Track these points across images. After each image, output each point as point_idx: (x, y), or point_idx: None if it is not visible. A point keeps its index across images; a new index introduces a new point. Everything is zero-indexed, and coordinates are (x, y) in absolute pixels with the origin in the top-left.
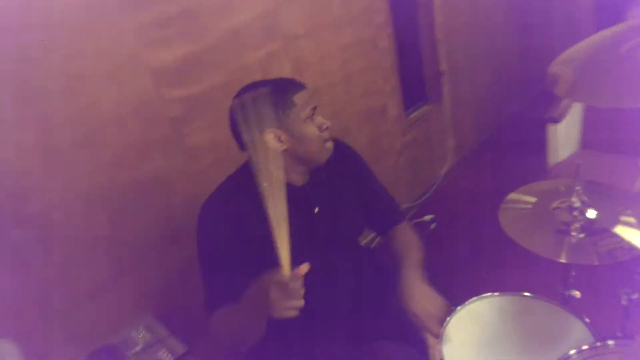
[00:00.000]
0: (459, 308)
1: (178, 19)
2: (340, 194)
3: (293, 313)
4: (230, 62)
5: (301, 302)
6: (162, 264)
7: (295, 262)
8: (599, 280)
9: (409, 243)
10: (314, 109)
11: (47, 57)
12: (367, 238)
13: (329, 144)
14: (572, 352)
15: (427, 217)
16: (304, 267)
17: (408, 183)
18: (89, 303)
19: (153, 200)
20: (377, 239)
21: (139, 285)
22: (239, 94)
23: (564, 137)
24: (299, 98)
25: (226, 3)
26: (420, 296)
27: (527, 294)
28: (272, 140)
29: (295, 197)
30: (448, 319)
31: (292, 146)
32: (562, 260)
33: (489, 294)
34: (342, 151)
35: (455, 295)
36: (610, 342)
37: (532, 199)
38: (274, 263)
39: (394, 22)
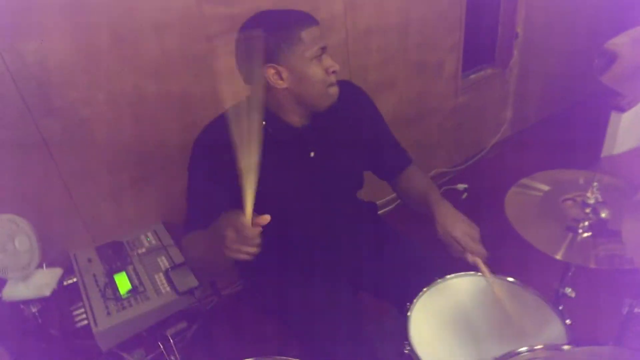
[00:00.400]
0: (439, 280)
1: None
2: (342, 140)
3: (244, 257)
4: None
5: (254, 250)
6: (179, 176)
7: (289, 205)
8: (602, 284)
9: (425, 180)
10: (323, 48)
11: None
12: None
13: (333, 90)
14: (523, 349)
15: (461, 186)
16: (265, 218)
17: (450, 147)
18: (107, 202)
19: (179, 114)
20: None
21: (156, 193)
22: (246, 24)
23: (628, 128)
24: (307, 34)
25: None
26: (457, 221)
27: (510, 279)
28: (272, 76)
29: (291, 139)
30: (425, 289)
31: (292, 85)
32: (558, 257)
33: (472, 272)
34: (349, 92)
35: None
36: (566, 347)
37: (545, 187)
38: (261, 203)
39: None
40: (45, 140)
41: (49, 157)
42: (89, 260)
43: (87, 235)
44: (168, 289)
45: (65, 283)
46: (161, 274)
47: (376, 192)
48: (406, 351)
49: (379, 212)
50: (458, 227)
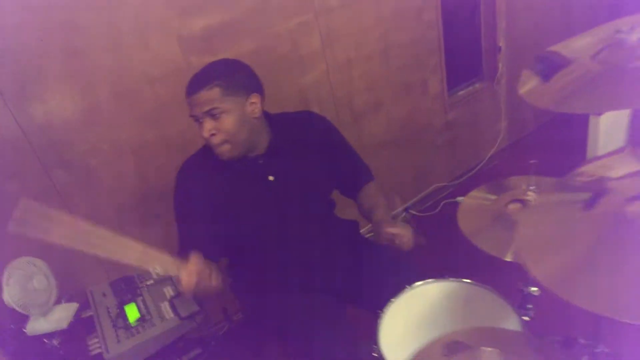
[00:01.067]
0: (407, 287)
1: None
2: (301, 163)
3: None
4: (260, 30)
5: (212, 288)
6: None
7: (257, 229)
8: None
9: (378, 198)
10: (195, 116)
11: (91, 18)
12: None
13: (218, 150)
14: None
15: (460, 199)
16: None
17: (447, 162)
18: None
19: (176, 155)
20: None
21: (161, 230)
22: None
23: (607, 131)
24: (190, 102)
25: None
26: (391, 224)
27: (466, 280)
28: (256, 103)
29: (249, 166)
30: (393, 299)
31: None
32: (508, 259)
33: (432, 279)
34: (308, 121)
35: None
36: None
37: (493, 197)
38: (234, 225)
39: None
40: (57, 188)
41: (62, 203)
42: (104, 295)
43: (101, 271)
44: (172, 315)
45: (82, 316)
46: (166, 302)
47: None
48: (374, 354)
49: (363, 230)
50: (392, 227)
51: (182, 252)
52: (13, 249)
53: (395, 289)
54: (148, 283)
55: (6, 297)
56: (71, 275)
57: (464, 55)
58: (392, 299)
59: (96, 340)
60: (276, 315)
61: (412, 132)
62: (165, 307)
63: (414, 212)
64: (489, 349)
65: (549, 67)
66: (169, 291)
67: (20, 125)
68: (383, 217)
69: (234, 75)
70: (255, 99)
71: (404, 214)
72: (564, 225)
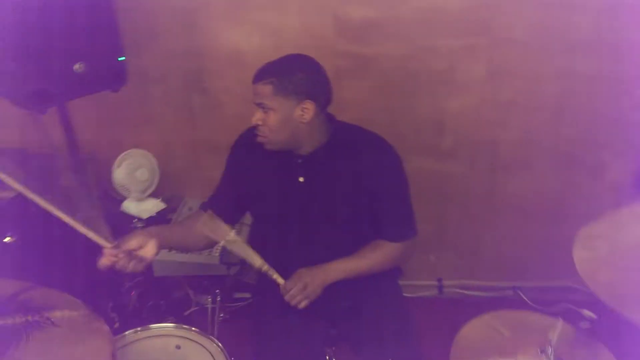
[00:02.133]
0: None
1: None
2: (339, 181)
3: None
4: (418, 39)
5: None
6: None
7: (274, 220)
8: None
9: (368, 253)
10: (256, 104)
11: None
12: None
13: (258, 138)
14: None
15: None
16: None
17: None
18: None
19: None
20: None
21: None
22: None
23: None
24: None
25: None
26: (312, 268)
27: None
28: (308, 110)
29: (287, 161)
30: None
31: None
32: None
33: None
34: (370, 143)
35: None
36: None
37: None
38: (256, 208)
39: None
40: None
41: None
42: (190, 209)
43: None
44: (216, 255)
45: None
46: (219, 247)
47: None
48: None
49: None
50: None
51: (208, 203)
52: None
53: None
54: None
55: (114, 177)
56: (175, 183)
57: None
58: None
59: None
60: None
61: (562, 213)
62: (218, 247)
63: None
64: None
65: None
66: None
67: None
68: (321, 267)
69: (292, 77)
70: (308, 105)
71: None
72: None
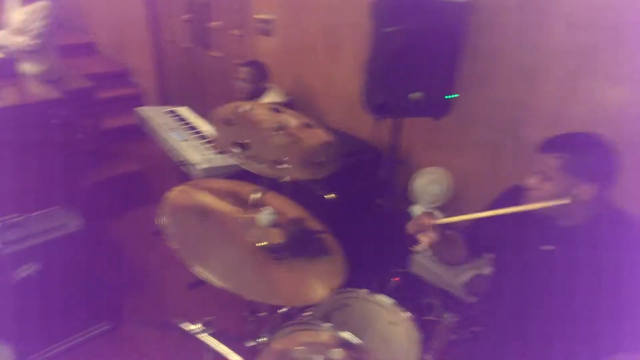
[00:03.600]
0: None
1: None
2: (586, 264)
3: None
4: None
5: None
6: None
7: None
8: None
9: None
10: None
11: None
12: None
13: None
14: None
15: None
16: None
17: None
18: None
19: None
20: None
21: None
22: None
23: None
24: None
25: None
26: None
27: None
28: (587, 191)
29: (544, 225)
30: None
31: None
32: None
33: None
34: (621, 227)
35: None
36: None
37: None
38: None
39: None
40: None
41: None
42: None
43: None
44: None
45: None
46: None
47: None
48: None
49: None
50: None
51: None
52: None
53: None
54: None
55: (414, 183)
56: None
57: None
58: None
59: None
60: None
61: None
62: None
63: None
64: None
65: None
66: None
67: None
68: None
69: (585, 160)
70: (589, 187)
71: None
72: None
